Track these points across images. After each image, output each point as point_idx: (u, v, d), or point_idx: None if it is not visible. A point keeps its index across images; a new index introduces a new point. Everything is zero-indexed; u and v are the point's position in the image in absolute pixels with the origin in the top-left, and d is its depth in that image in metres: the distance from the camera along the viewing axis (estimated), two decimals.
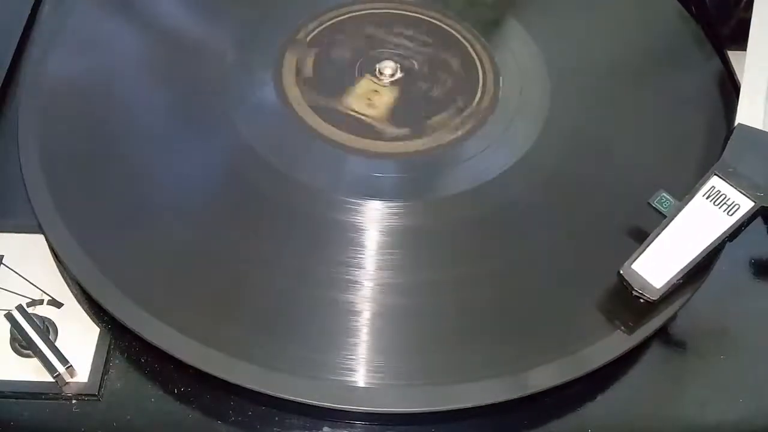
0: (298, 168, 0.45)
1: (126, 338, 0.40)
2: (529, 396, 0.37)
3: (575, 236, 0.43)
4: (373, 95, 0.50)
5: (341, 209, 0.43)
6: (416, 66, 0.52)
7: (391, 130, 0.48)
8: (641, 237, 0.40)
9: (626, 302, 0.39)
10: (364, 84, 0.50)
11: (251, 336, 0.38)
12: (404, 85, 0.51)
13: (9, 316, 0.38)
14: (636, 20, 0.56)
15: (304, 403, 0.37)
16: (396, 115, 0.49)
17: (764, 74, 0.47)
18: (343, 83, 0.50)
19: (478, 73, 0.52)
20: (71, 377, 0.39)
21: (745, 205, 0.40)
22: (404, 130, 0.48)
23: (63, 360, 0.37)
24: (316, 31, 0.53)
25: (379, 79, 0.51)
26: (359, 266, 0.41)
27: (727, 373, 0.41)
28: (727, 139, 0.44)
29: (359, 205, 0.44)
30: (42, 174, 0.43)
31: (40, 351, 0.37)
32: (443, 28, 0.54)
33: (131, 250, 0.41)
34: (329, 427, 0.39)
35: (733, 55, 0.54)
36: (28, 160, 0.44)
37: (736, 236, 0.40)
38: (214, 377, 0.37)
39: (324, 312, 0.39)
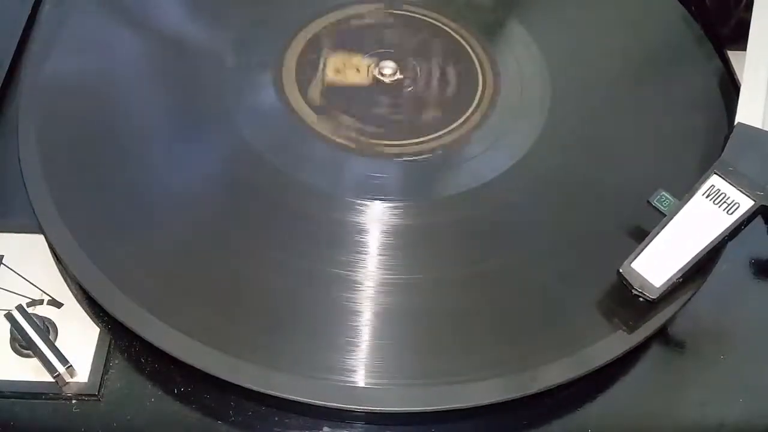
0: (298, 168, 0.45)
1: (126, 338, 0.40)
2: (529, 396, 0.37)
3: (575, 236, 0.43)
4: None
5: (341, 209, 0.43)
6: (416, 66, 0.52)
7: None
8: (641, 236, 0.40)
9: (626, 302, 0.39)
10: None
11: (251, 336, 0.38)
12: (405, 83, 0.51)
13: (9, 316, 0.38)
14: (636, 20, 0.56)
15: (304, 403, 0.36)
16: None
17: (764, 74, 0.47)
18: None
19: (477, 73, 0.52)
20: (71, 377, 0.39)
21: (745, 203, 0.40)
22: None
23: (63, 360, 0.37)
24: (316, 32, 0.53)
25: (382, 78, 0.51)
26: (359, 266, 0.41)
27: (727, 373, 0.41)
28: (726, 138, 0.44)
29: (359, 205, 0.44)
30: (42, 174, 0.43)
31: (40, 351, 0.37)
32: (443, 28, 0.54)
33: (131, 250, 0.41)
34: (329, 427, 0.39)
35: (733, 55, 0.54)
36: (28, 160, 0.44)
37: (736, 235, 0.40)
38: (214, 377, 0.37)
39: (324, 312, 0.39)
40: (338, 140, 0.47)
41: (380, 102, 0.50)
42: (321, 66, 0.51)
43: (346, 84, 0.50)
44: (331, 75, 0.51)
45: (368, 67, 0.51)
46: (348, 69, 0.51)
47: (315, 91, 0.49)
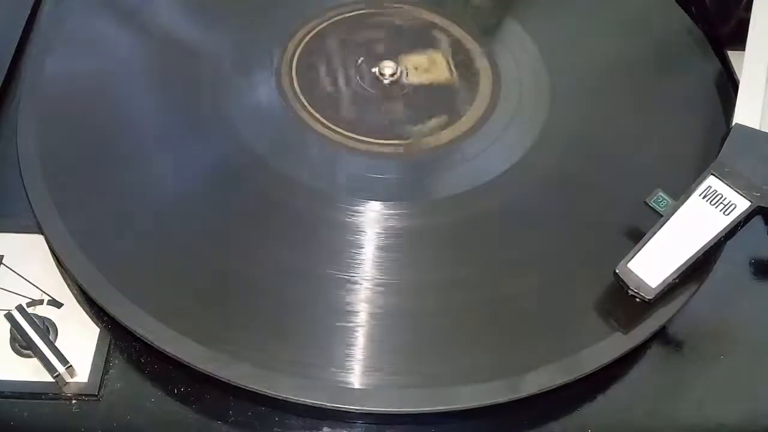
0: (297, 168, 0.45)
1: (126, 338, 0.40)
2: (529, 396, 0.37)
3: (575, 236, 0.43)
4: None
5: (341, 209, 0.43)
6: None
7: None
8: (638, 236, 0.40)
9: (626, 302, 0.39)
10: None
11: (251, 336, 0.38)
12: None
13: (9, 316, 0.38)
14: (636, 20, 0.56)
15: (304, 403, 0.37)
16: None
17: (762, 74, 0.47)
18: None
19: (477, 73, 0.52)
20: (71, 377, 0.39)
21: (742, 204, 0.40)
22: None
23: (63, 360, 0.37)
24: (315, 31, 0.53)
25: (381, 79, 0.51)
26: (359, 266, 0.41)
27: (727, 373, 0.41)
28: (724, 138, 0.44)
29: (359, 205, 0.44)
30: (42, 174, 0.43)
31: (40, 351, 0.37)
32: (443, 28, 0.54)
33: (131, 250, 0.41)
34: (329, 427, 0.39)
35: (732, 55, 0.54)
36: (28, 160, 0.44)
37: (732, 236, 0.40)
38: (214, 377, 0.37)
39: (323, 312, 0.39)
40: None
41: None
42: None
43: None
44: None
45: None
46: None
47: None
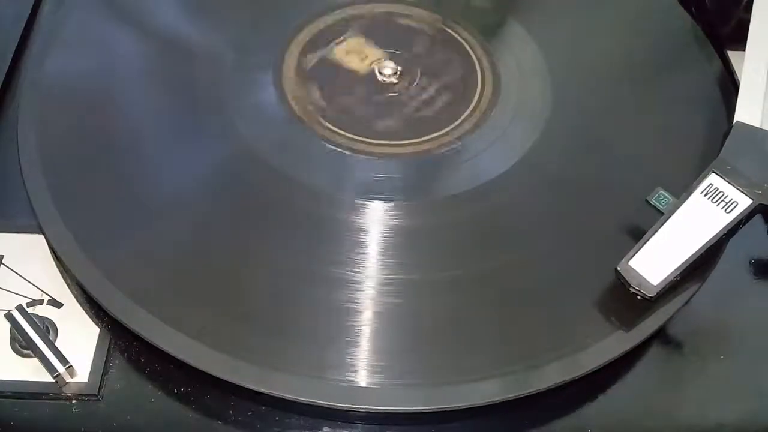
0: (298, 168, 0.45)
1: (126, 338, 0.40)
2: (529, 396, 0.37)
3: (575, 236, 0.43)
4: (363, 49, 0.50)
5: (341, 209, 0.43)
6: (415, 66, 0.52)
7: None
8: (639, 234, 0.40)
9: (626, 302, 0.39)
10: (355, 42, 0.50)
11: (251, 336, 0.38)
12: (404, 83, 0.51)
13: (9, 316, 0.38)
14: (636, 20, 0.56)
15: (304, 403, 0.37)
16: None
17: (763, 73, 0.47)
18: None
19: (477, 73, 0.52)
20: (71, 377, 0.39)
21: (743, 202, 0.40)
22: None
23: (63, 360, 0.37)
24: (315, 32, 0.53)
25: (381, 79, 0.51)
26: (359, 266, 0.41)
27: (727, 373, 0.41)
28: (725, 136, 0.44)
29: (359, 205, 0.44)
30: (42, 174, 0.43)
31: (40, 351, 0.37)
32: (443, 28, 0.54)
33: (131, 250, 0.41)
34: (329, 427, 0.39)
35: (733, 55, 0.54)
36: (28, 160, 0.44)
37: (734, 234, 0.40)
38: (214, 377, 0.37)
39: (324, 312, 0.39)
40: (338, 140, 0.47)
41: (380, 102, 0.50)
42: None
43: (344, 67, 0.50)
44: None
45: (375, 60, 0.51)
46: (356, 54, 0.51)
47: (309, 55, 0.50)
